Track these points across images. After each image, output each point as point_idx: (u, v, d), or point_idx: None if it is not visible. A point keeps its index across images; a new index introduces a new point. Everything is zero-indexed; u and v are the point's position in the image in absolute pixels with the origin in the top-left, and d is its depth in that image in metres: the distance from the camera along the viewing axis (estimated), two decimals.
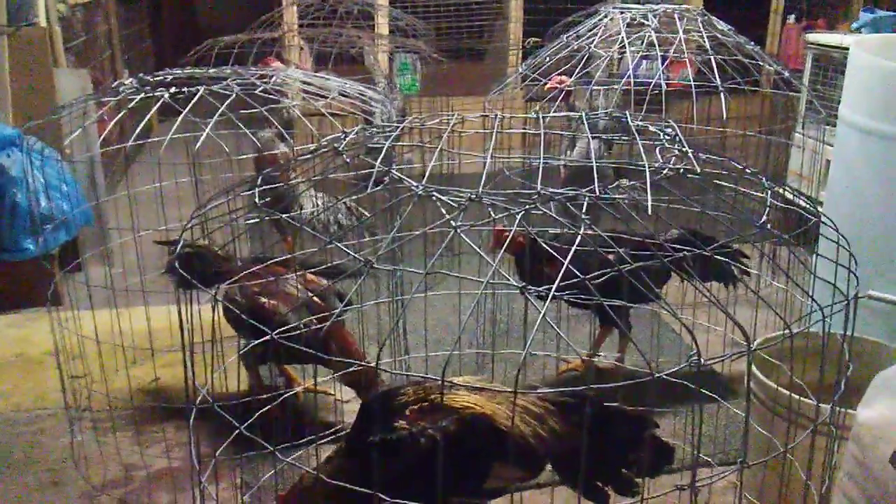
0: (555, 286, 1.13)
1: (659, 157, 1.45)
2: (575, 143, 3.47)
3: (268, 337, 1.38)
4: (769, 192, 1.45)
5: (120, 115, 2.25)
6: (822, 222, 1.56)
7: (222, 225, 1.73)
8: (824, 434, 1.70)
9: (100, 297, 2.62)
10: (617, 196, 1.38)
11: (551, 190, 1.30)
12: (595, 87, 3.02)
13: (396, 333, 2.33)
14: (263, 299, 2.45)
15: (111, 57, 5.93)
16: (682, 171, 1.39)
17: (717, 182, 1.56)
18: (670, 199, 1.48)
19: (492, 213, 1.31)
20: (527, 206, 1.27)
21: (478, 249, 1.27)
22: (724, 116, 2.56)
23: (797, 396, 1.96)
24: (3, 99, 3.74)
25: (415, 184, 1.35)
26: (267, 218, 2.34)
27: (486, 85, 4.21)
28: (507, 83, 3.03)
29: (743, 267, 2.73)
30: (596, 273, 1.23)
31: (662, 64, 2.86)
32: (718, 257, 2.64)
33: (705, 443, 2.47)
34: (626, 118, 1.61)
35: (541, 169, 1.50)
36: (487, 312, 2.98)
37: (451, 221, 1.24)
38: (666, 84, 2.80)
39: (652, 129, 1.58)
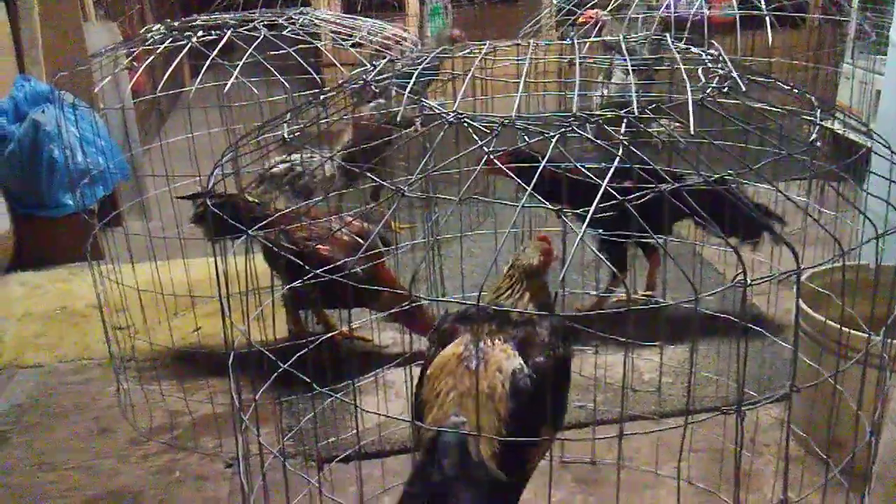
0: (592, 208, 1.09)
1: (702, 77, 1.38)
2: (610, 76, 3.37)
3: (313, 275, 1.35)
4: (818, 111, 1.38)
5: (150, 59, 2.23)
6: (876, 142, 1.48)
7: (251, 171, 1.70)
8: (875, 367, 1.64)
9: (139, 250, 2.63)
10: (657, 127, 1.33)
11: (587, 112, 1.24)
12: (632, 17, 2.91)
13: (432, 274, 2.30)
14: (319, 245, 2.43)
15: (140, 11, 5.92)
16: (726, 89, 1.32)
17: (763, 106, 1.48)
18: (713, 134, 1.41)
19: (526, 138, 1.26)
20: (562, 129, 1.22)
21: (513, 176, 1.23)
22: (769, 43, 2.45)
23: (847, 329, 1.90)
24: (36, 54, 3.76)
25: (445, 111, 1.31)
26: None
27: (519, 28, 4.09)
28: (541, 16, 2.93)
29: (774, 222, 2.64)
30: (636, 195, 1.18)
31: None
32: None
33: (750, 382, 2.42)
34: (667, 40, 1.53)
35: (576, 97, 1.44)
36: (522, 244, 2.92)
37: (484, 147, 1.20)
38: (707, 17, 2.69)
39: (694, 50, 1.50)
